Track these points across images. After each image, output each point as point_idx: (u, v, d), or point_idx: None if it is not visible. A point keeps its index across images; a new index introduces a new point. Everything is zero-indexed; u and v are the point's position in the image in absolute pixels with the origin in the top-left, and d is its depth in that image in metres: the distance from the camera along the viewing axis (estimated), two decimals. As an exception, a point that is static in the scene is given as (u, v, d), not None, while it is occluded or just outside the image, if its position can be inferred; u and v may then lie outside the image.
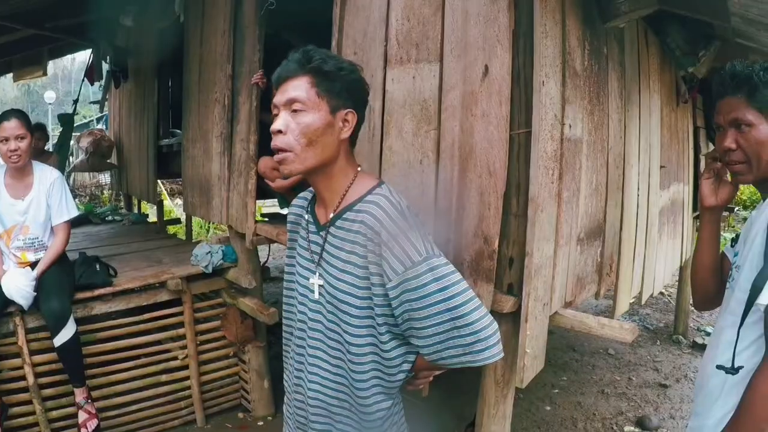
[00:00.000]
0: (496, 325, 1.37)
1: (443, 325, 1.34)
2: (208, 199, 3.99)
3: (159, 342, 3.54)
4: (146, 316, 3.46)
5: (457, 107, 2.15)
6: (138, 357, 3.43)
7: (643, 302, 3.64)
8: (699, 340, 5.28)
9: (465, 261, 2.19)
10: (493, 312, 2.12)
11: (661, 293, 6.59)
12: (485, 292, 2.12)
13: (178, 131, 5.40)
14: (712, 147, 5.35)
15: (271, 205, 7.66)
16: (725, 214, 7.50)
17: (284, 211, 3.97)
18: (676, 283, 5.87)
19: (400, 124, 2.39)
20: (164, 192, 11.09)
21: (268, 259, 4.14)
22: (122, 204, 6.80)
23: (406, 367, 1.46)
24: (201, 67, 3.93)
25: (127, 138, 5.82)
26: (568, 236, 2.31)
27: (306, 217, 1.59)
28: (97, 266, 3.39)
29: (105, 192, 11.20)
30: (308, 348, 1.55)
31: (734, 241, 1.80)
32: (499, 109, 1.99)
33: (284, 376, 1.72)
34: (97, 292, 3.23)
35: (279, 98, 1.41)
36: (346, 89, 1.42)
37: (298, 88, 1.38)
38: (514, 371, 2.26)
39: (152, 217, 6.68)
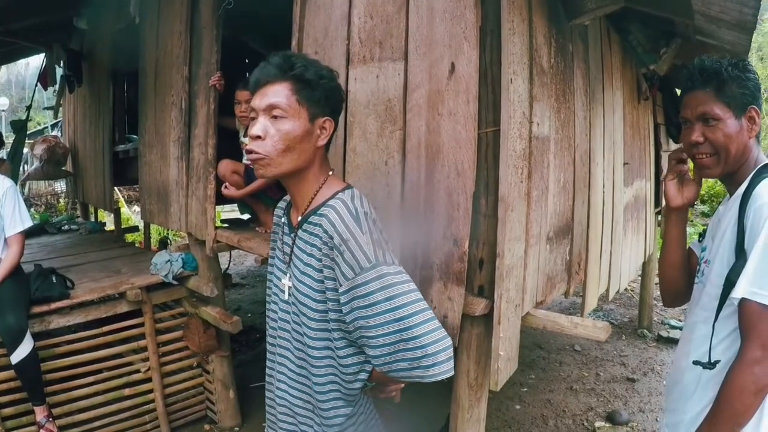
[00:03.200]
0: (448, 340, 1.34)
1: (390, 336, 1.32)
2: (166, 206, 3.86)
3: (120, 355, 3.41)
4: (106, 328, 3.33)
5: (423, 106, 2.10)
6: (99, 371, 3.30)
7: (610, 299, 3.66)
8: (664, 334, 5.37)
9: (434, 264, 2.14)
10: (464, 315, 2.09)
11: (625, 288, 6.70)
12: (456, 295, 2.07)
13: (134, 137, 5.24)
14: (672, 143, 5.46)
15: (230, 210, 7.53)
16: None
17: (245, 217, 3.89)
18: (639, 278, 5.96)
19: (363, 125, 2.33)
20: (121, 199, 10.79)
21: (228, 266, 4.04)
22: (79, 212, 6.57)
23: (364, 376, 1.46)
24: (157, 70, 3.80)
25: (82, 144, 5.62)
26: (538, 235, 2.28)
27: (283, 219, 1.62)
28: (54, 278, 3.23)
29: (61, 201, 10.84)
30: (278, 348, 1.58)
31: (701, 236, 1.81)
32: (467, 108, 1.95)
33: (266, 376, 1.73)
34: (54, 305, 3.09)
35: (258, 103, 1.40)
36: (325, 97, 1.42)
37: (279, 94, 1.38)
38: (487, 374, 2.23)
39: (110, 226, 6.50)
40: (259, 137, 1.38)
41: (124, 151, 5.06)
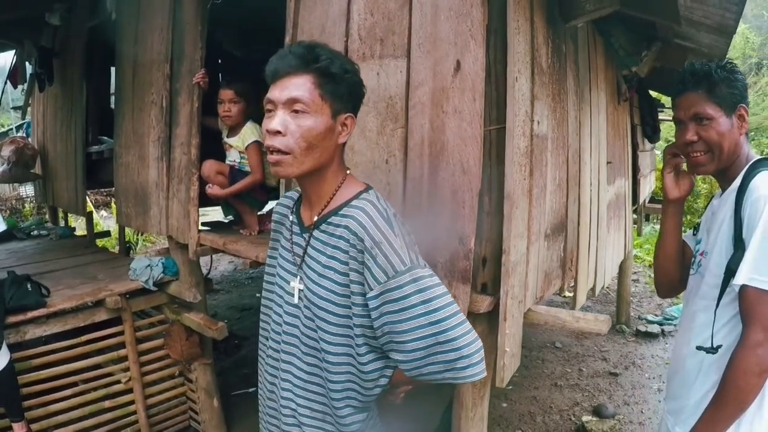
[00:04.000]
0: (480, 342, 1.33)
1: (425, 339, 1.29)
2: (144, 209, 3.74)
3: (99, 365, 3.29)
4: (84, 338, 3.20)
5: (427, 104, 2.09)
6: (78, 383, 3.17)
7: (596, 294, 3.72)
8: (642, 329, 5.51)
9: (438, 263, 2.13)
10: (469, 313, 2.09)
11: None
12: (461, 293, 2.06)
13: (107, 138, 5.09)
14: (648, 144, 5.62)
15: (203, 214, 7.37)
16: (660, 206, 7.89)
17: (226, 220, 3.81)
18: (616, 275, 6.09)
19: (363, 123, 2.31)
20: (89, 204, 10.48)
21: (210, 270, 3.96)
22: (48, 217, 6.35)
23: (384, 382, 1.41)
24: (136, 68, 3.70)
25: (52, 146, 5.42)
26: (538, 232, 2.30)
27: (291, 217, 1.53)
28: (29, 285, 3.09)
29: (27, 205, 10.46)
30: (282, 353, 1.49)
31: (695, 229, 1.87)
32: (473, 105, 1.95)
33: (258, 383, 1.65)
34: (30, 314, 2.95)
35: (278, 95, 1.32)
36: (349, 93, 1.37)
37: (301, 87, 1.30)
38: (490, 372, 2.23)
39: (80, 230, 6.31)
40: (279, 132, 1.30)
41: (97, 153, 4.91)
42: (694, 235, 1.89)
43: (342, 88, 1.34)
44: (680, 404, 1.74)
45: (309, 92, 1.30)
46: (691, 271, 1.82)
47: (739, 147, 1.67)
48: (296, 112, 1.30)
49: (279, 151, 1.31)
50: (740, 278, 1.49)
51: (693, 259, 1.82)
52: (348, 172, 1.46)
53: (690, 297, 1.80)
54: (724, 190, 1.72)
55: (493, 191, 2.06)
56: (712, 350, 1.61)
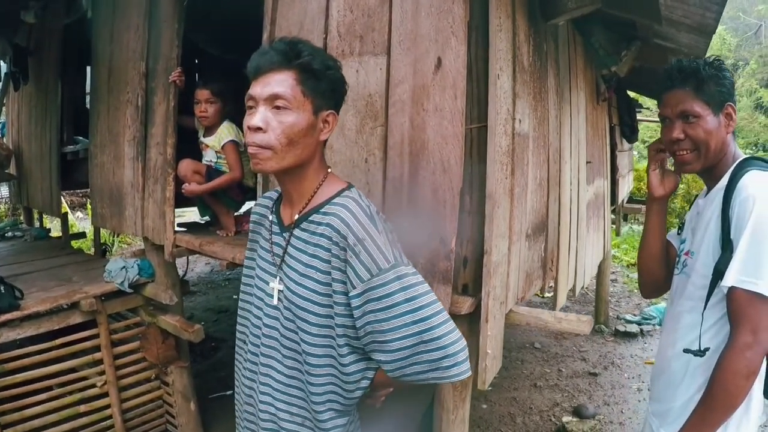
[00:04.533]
0: (464, 341, 1.32)
1: (410, 338, 1.27)
2: (120, 209, 3.66)
3: (75, 369, 3.20)
4: (59, 341, 3.11)
5: (407, 102, 2.06)
6: (53, 387, 3.08)
7: (576, 295, 3.73)
8: (621, 328, 5.54)
9: (419, 263, 2.09)
10: (450, 315, 2.05)
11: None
12: (443, 294, 2.03)
13: (82, 138, 4.98)
14: (626, 144, 5.66)
15: (179, 215, 7.26)
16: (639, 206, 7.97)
17: (202, 221, 3.75)
18: (595, 275, 6.13)
19: (342, 121, 2.27)
20: (64, 205, 10.29)
21: (186, 271, 3.90)
22: (22, 218, 6.21)
23: (365, 384, 1.39)
24: (111, 66, 3.61)
25: (27, 146, 5.30)
26: (519, 232, 2.28)
27: (270, 217, 1.51)
28: (2, 288, 3.00)
29: (1, 206, 10.21)
30: (261, 357, 1.46)
31: (680, 229, 1.86)
32: (454, 103, 1.92)
33: (235, 388, 1.61)
34: (3, 317, 2.85)
35: (259, 91, 1.31)
36: (331, 89, 1.36)
37: (283, 83, 1.29)
38: (472, 373, 2.21)
39: (55, 232, 6.18)
40: (259, 129, 1.29)
41: (73, 153, 4.80)
42: (678, 234, 1.87)
43: (324, 85, 1.33)
44: (666, 406, 1.72)
45: (290, 88, 1.29)
46: (676, 271, 1.80)
47: (726, 145, 1.65)
48: (277, 108, 1.29)
49: (259, 147, 1.30)
50: (729, 280, 1.47)
51: (677, 258, 1.80)
52: (329, 170, 1.45)
53: (675, 298, 1.78)
54: (710, 189, 1.70)
55: (475, 190, 2.04)
56: (700, 353, 1.58)
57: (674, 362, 1.70)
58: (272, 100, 1.29)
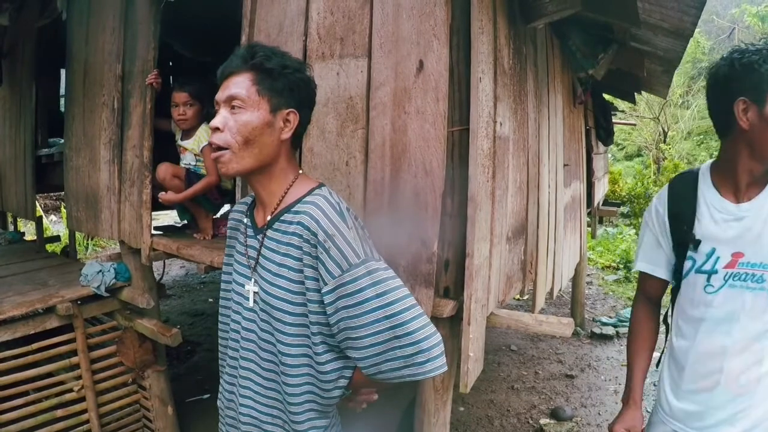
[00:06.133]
0: (439, 335, 1.32)
1: (382, 334, 1.27)
2: (95, 213, 3.60)
3: (51, 374, 3.14)
4: (35, 346, 3.05)
5: (388, 104, 2.05)
6: (29, 392, 3.03)
7: (554, 297, 3.76)
8: (597, 331, 5.59)
9: (400, 266, 2.09)
10: (432, 318, 2.06)
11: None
12: (425, 298, 2.03)
13: (57, 140, 4.90)
14: (602, 147, 5.73)
15: (156, 218, 7.15)
16: (613, 209, 8.04)
17: (179, 224, 3.70)
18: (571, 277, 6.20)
19: (322, 124, 2.25)
20: (39, 208, 10.09)
21: (162, 275, 3.84)
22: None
23: (343, 383, 1.39)
24: (87, 68, 3.55)
25: (1, 149, 5.20)
26: (500, 235, 2.29)
27: (245, 221, 1.52)
28: (-23, 293, 2.93)
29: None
30: (241, 360, 1.47)
31: (695, 247, 1.66)
32: (436, 106, 1.92)
33: (219, 392, 1.61)
34: (-21, 322, 2.79)
35: (220, 95, 1.37)
36: (289, 88, 1.38)
37: (239, 84, 1.35)
38: (452, 376, 2.22)
39: (29, 235, 6.07)
40: (218, 129, 1.33)
41: (47, 156, 4.72)
42: (691, 249, 1.65)
43: (280, 84, 1.36)
44: (744, 425, 1.60)
45: (246, 89, 1.34)
46: (734, 288, 1.58)
47: None
48: (233, 108, 1.34)
49: (219, 147, 1.34)
50: None
51: (731, 272, 1.59)
52: (300, 171, 1.47)
53: (749, 317, 1.57)
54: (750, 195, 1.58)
55: (456, 193, 2.04)
56: None
57: (764, 380, 1.58)
58: (230, 101, 1.35)
